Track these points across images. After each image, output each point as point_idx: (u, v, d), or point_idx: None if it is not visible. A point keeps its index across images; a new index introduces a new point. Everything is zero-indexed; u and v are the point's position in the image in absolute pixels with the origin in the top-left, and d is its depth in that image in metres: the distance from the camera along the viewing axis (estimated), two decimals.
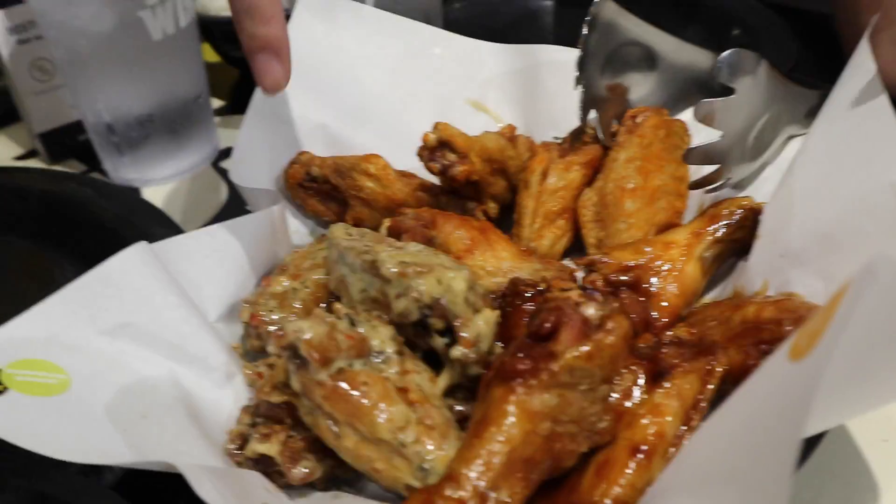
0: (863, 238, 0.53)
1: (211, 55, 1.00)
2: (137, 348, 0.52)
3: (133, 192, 0.83)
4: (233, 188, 0.73)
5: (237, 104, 1.00)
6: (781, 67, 0.67)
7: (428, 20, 0.85)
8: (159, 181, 0.86)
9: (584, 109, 0.72)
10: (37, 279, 0.73)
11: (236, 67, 1.04)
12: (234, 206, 0.82)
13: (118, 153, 0.84)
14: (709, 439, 0.40)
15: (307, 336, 0.45)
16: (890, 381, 0.37)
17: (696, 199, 0.69)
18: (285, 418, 0.49)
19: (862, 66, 0.56)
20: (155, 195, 0.84)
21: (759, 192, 0.67)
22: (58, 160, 0.92)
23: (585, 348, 0.44)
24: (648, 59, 0.73)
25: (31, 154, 0.94)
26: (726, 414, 0.39)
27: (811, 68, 0.84)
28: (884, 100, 0.54)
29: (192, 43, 0.83)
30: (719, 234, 0.62)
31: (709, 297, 0.64)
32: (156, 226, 0.70)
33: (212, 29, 0.96)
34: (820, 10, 1.01)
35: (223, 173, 0.88)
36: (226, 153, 0.91)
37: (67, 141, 0.91)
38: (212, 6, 0.95)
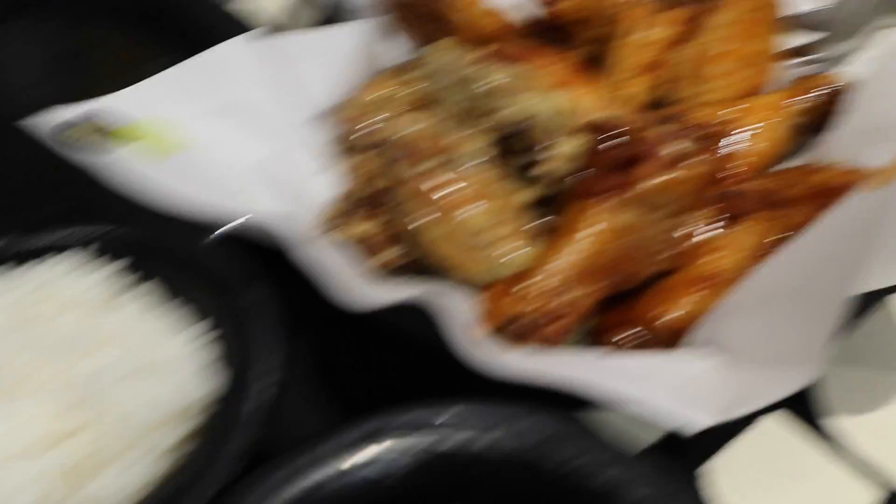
0: None
1: None
2: (238, 132, 0.55)
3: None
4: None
5: None
6: None
7: None
8: None
9: None
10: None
11: None
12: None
13: None
14: (774, 268, 0.43)
15: (401, 134, 0.48)
16: None
17: (783, 73, 0.69)
18: (378, 207, 0.52)
19: None
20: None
21: (847, 73, 0.67)
22: None
23: (662, 178, 0.47)
24: None
25: None
26: (793, 246, 0.42)
27: None
28: None
29: None
30: (804, 106, 0.63)
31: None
32: None
33: None
34: None
35: None
36: None
37: None
38: None
